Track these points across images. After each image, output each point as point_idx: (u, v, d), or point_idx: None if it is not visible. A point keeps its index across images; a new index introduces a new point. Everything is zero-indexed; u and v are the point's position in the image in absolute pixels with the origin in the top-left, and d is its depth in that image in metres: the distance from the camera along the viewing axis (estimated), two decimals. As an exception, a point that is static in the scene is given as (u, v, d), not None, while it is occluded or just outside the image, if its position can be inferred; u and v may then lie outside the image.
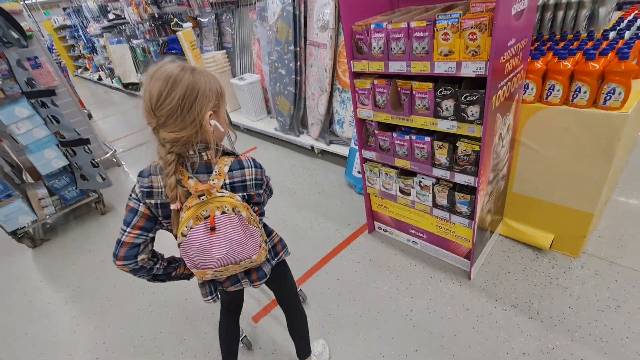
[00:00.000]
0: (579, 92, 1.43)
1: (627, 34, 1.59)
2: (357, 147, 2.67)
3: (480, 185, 1.47)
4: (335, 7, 2.67)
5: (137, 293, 2.14)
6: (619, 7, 2.21)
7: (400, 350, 1.53)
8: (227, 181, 0.88)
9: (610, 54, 1.39)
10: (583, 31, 1.74)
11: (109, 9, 7.23)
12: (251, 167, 0.92)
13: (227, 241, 0.85)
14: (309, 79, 3.19)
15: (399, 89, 1.56)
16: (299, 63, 3.18)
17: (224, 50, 4.60)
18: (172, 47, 5.65)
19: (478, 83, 1.29)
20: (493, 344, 1.48)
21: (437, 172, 1.60)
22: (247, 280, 1.10)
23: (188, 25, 1.10)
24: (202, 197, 0.83)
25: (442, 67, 1.32)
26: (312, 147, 3.39)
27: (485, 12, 1.16)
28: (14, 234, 2.70)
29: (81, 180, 2.90)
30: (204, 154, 0.87)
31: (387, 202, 2.01)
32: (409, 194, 1.82)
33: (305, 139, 3.45)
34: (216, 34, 4.78)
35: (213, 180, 0.86)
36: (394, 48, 1.44)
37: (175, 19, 5.17)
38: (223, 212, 0.84)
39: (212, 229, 0.83)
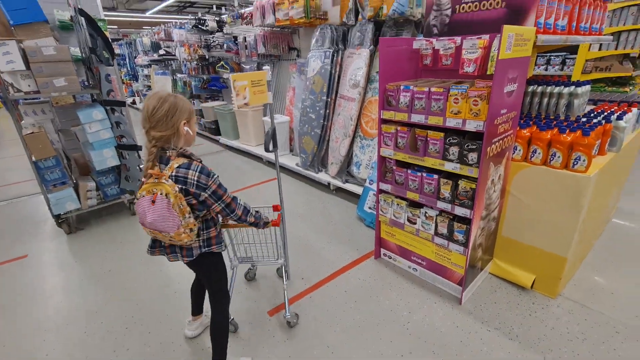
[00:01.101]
0: (554, 156, 1.87)
1: (594, 121, 2.08)
2: (371, 186, 3.08)
3: (474, 217, 1.84)
4: (367, 71, 3.27)
5: (165, 280, 2.39)
6: (594, 102, 2.75)
7: (397, 351, 1.76)
8: (173, 173, 1.25)
9: (578, 131, 1.85)
10: (562, 115, 2.23)
11: (161, 45, 8.23)
12: (196, 171, 1.26)
13: (156, 213, 1.22)
14: (335, 124, 3.72)
15: (416, 135, 2.01)
16: (328, 111, 3.73)
17: (260, 93, 5.25)
18: (213, 84, 6.39)
19: (477, 136, 1.73)
20: (477, 355, 1.72)
21: (441, 205, 1.97)
22: (179, 254, 1.41)
23: (266, 68, 1.56)
24: (155, 179, 1.24)
25: (452, 122, 1.78)
26: (329, 184, 3.80)
27: (486, 88, 1.64)
28: (57, 217, 3.01)
29: (124, 180, 3.28)
30: (168, 152, 1.28)
31: (395, 230, 2.35)
32: (415, 223, 2.18)
33: (323, 176, 3.87)
34: (255, 78, 5.49)
35: (166, 171, 1.25)
36: (416, 104, 1.91)
37: (222, 62, 5.96)
38: (161, 194, 1.22)
39: (153, 201, 1.22)
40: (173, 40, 7.21)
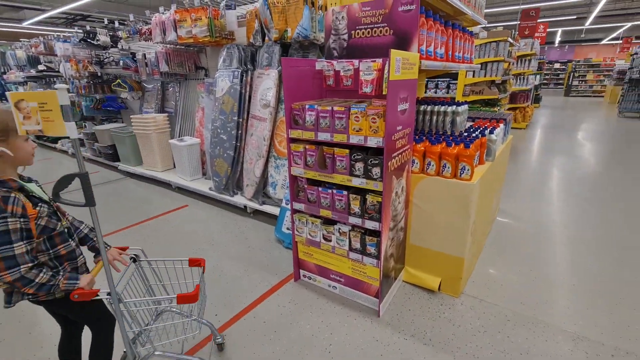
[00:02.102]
0: (445, 167, 2.07)
1: (472, 135, 2.39)
2: (287, 206, 3.02)
3: (383, 229, 1.90)
4: (277, 91, 3.27)
5: (35, 342, 1.90)
6: (473, 120, 3.20)
7: (319, 379, 1.67)
8: None
9: (461, 144, 2.09)
10: (448, 131, 2.52)
11: (40, 60, 7.08)
12: None
13: None
14: (248, 145, 3.60)
15: (324, 153, 2.03)
16: (240, 131, 3.60)
17: (166, 114, 4.85)
18: (109, 105, 5.71)
19: (379, 152, 1.82)
20: (396, 367, 1.73)
21: (352, 220, 2.00)
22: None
23: (61, 86, 1.04)
24: None
25: (355, 139, 1.83)
26: (245, 207, 3.62)
27: (382, 106, 1.74)
28: None
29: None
30: None
31: (312, 249, 2.30)
32: (330, 240, 2.17)
33: (239, 199, 3.68)
34: (159, 98, 5.08)
35: None
36: (321, 123, 1.93)
37: (119, 80, 5.37)
38: None
39: None
40: (56, 55, 6.27)
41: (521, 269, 2.57)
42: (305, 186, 2.15)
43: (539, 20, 10.20)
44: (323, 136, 1.95)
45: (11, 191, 1.11)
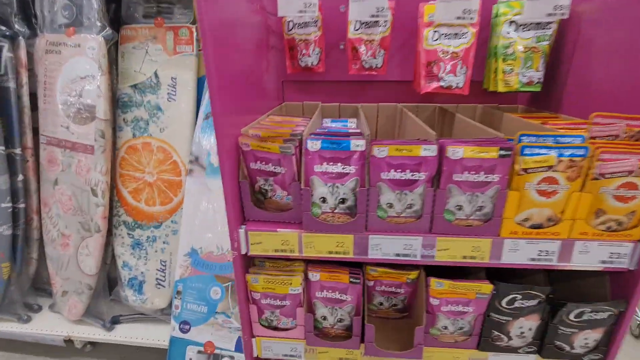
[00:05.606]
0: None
1: None
2: (185, 336, 1.39)
3: None
4: (109, 83, 1.46)
5: None
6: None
7: None
8: None
9: None
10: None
11: None
12: None
13: None
14: (50, 207, 1.61)
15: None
16: (21, 177, 1.57)
17: None
18: None
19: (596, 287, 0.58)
20: None
21: None
22: None
23: None
24: None
25: (528, 252, 0.53)
26: (70, 339, 1.65)
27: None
28: None
29: None
30: None
31: None
32: None
33: (46, 324, 1.67)
34: None
35: None
36: (394, 203, 0.52)
37: None
38: None
39: None
40: None
41: None
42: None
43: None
44: (396, 247, 0.54)
45: None
